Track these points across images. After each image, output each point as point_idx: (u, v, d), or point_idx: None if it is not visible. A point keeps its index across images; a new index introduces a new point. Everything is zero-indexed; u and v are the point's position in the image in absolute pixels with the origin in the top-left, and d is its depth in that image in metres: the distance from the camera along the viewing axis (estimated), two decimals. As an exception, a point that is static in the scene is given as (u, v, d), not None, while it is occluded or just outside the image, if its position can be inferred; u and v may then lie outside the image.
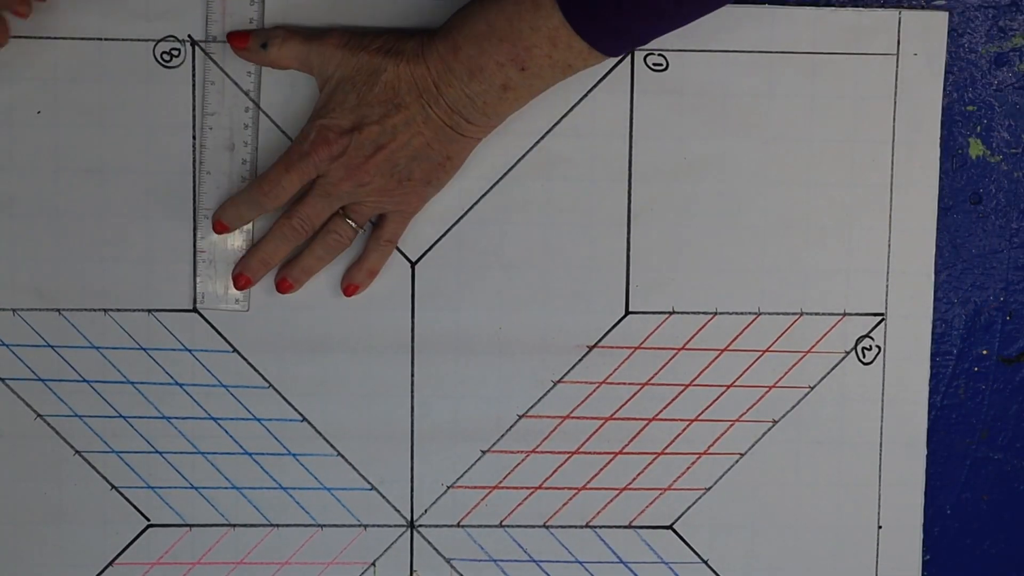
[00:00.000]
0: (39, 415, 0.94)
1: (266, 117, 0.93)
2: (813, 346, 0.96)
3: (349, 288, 0.94)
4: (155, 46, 0.92)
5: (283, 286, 0.93)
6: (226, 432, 0.95)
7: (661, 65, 0.94)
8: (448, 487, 0.96)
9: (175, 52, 0.93)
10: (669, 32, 0.87)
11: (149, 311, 0.94)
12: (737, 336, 0.96)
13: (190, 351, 0.94)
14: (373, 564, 0.96)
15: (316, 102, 0.90)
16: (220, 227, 0.92)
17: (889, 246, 0.96)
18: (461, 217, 0.94)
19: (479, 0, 0.86)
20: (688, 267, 0.95)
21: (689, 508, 0.97)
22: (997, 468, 0.98)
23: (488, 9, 0.85)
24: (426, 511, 0.96)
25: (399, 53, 0.87)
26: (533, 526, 0.96)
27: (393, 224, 0.92)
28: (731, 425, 0.96)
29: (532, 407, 0.96)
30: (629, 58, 0.94)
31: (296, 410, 0.95)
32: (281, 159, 0.89)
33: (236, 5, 0.92)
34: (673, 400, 0.96)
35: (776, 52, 0.94)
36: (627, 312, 0.95)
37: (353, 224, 0.91)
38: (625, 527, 0.97)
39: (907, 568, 0.98)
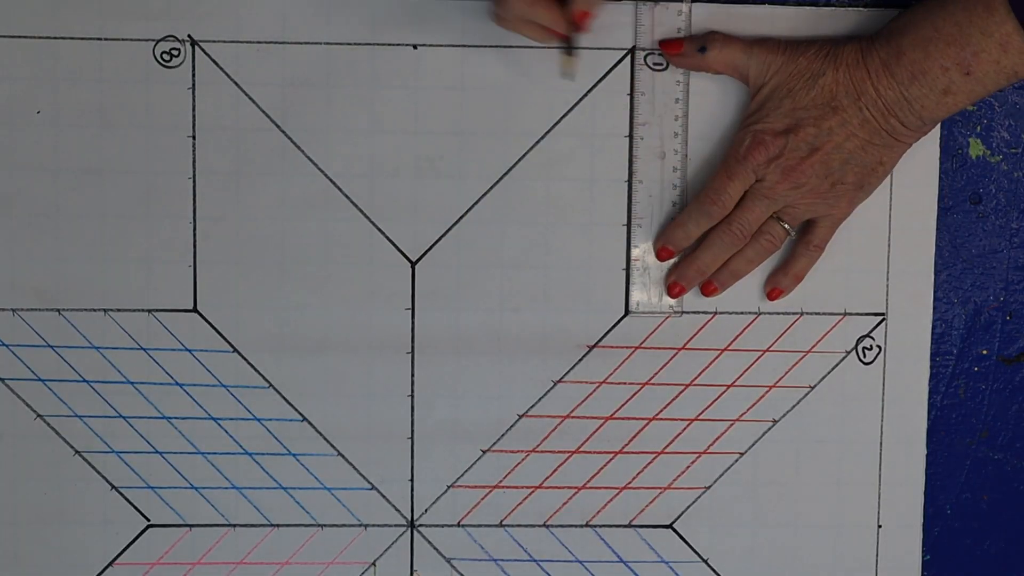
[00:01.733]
0: (39, 415, 0.94)
1: (693, 126, 0.95)
2: (813, 346, 0.96)
3: (774, 292, 0.95)
4: (155, 46, 0.92)
5: (709, 289, 0.95)
6: (226, 432, 0.95)
7: (661, 65, 0.94)
8: (448, 487, 0.96)
9: (175, 52, 0.93)
10: None
11: (149, 311, 0.94)
12: (737, 336, 0.96)
13: (190, 351, 0.94)
14: (373, 564, 0.96)
15: (745, 110, 0.92)
16: (665, 253, 0.94)
17: (889, 246, 0.96)
18: (461, 217, 0.94)
19: (923, 5, 0.86)
20: (688, 267, 0.95)
21: (689, 507, 0.97)
22: (997, 468, 0.98)
23: (934, 13, 0.85)
24: (426, 511, 0.96)
25: (837, 57, 0.87)
26: (533, 525, 0.96)
27: (823, 229, 0.93)
28: (731, 425, 0.96)
29: (532, 407, 0.96)
30: (629, 58, 0.94)
31: (296, 410, 0.95)
32: (722, 167, 0.91)
33: (665, 16, 0.93)
34: (673, 400, 0.96)
35: (776, 52, 0.94)
36: (627, 312, 0.95)
37: (786, 226, 0.92)
38: (625, 526, 0.97)
39: (907, 568, 0.98)
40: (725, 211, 0.91)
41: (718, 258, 0.93)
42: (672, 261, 0.95)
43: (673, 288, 0.94)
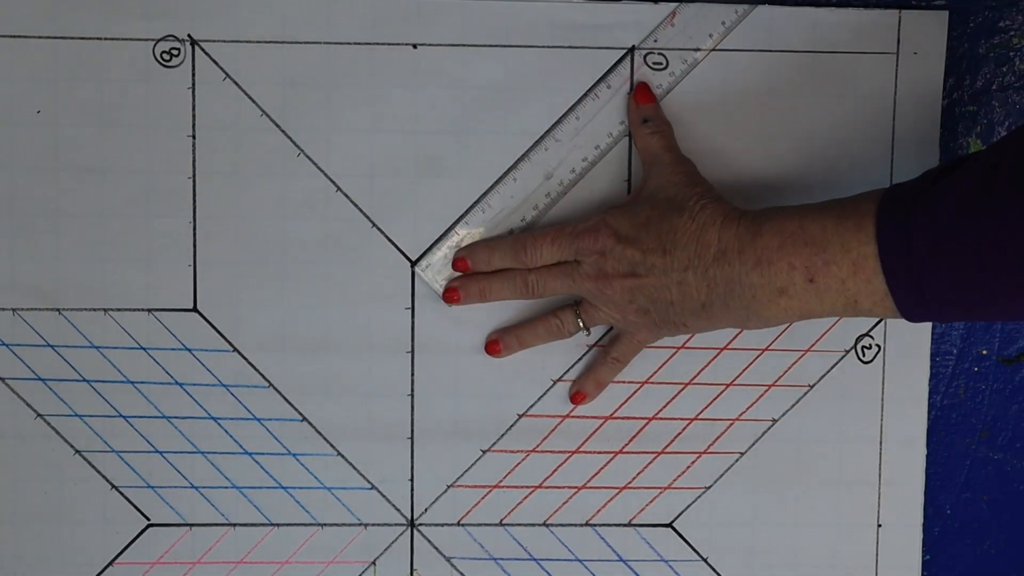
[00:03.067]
0: (39, 415, 0.94)
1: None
2: (813, 345, 0.96)
3: (577, 395, 0.95)
4: (155, 46, 0.92)
5: (492, 348, 0.94)
6: (226, 432, 0.95)
7: (661, 64, 0.94)
8: (448, 486, 0.96)
9: (175, 52, 0.93)
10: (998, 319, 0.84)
11: (149, 311, 0.94)
12: (737, 335, 0.96)
13: (190, 351, 0.94)
14: (373, 563, 0.96)
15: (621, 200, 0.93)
16: (461, 264, 0.93)
17: (889, 246, 0.96)
18: (461, 217, 0.94)
19: (808, 204, 0.84)
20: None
21: (689, 506, 0.97)
22: (997, 468, 0.98)
23: (808, 212, 0.83)
24: (426, 510, 0.96)
25: (703, 212, 0.86)
26: (533, 525, 0.96)
27: (623, 345, 0.93)
28: (731, 424, 0.96)
29: (532, 406, 0.96)
30: (629, 58, 0.94)
31: (296, 410, 0.95)
32: (554, 228, 0.91)
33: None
34: (673, 399, 0.96)
35: (776, 52, 0.94)
36: (627, 311, 0.95)
37: (580, 322, 0.92)
38: (625, 525, 0.97)
39: (907, 567, 0.98)
40: (531, 265, 0.91)
41: (502, 292, 0.93)
42: None
43: (451, 293, 0.94)
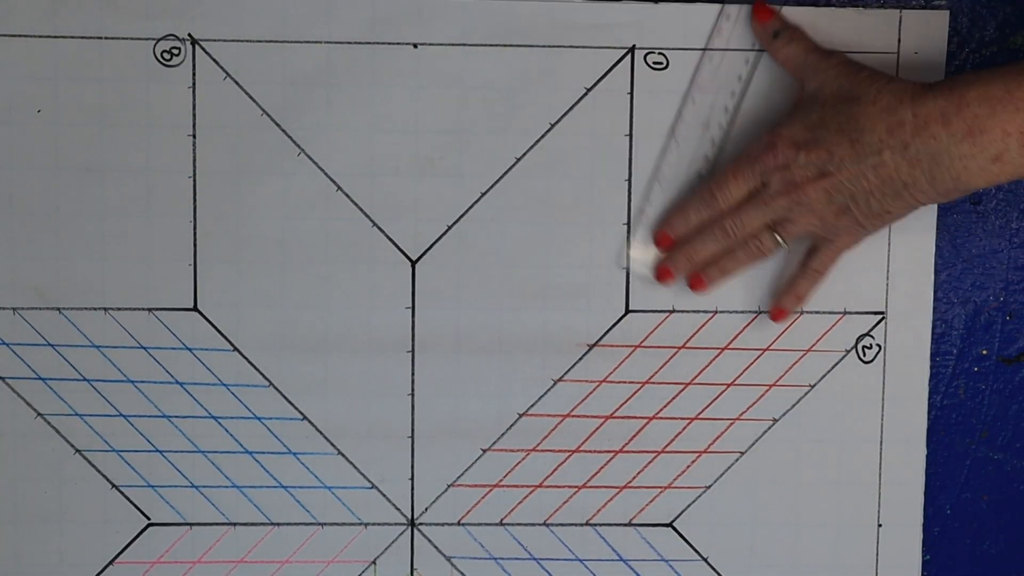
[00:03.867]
0: (39, 414, 0.94)
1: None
2: (813, 345, 0.96)
3: (776, 311, 0.95)
4: (155, 45, 0.92)
5: (696, 281, 0.94)
6: (226, 431, 0.95)
7: (661, 64, 0.94)
8: (449, 485, 0.96)
9: (175, 51, 0.93)
10: None
11: (149, 310, 0.94)
12: (737, 335, 0.96)
13: (190, 350, 0.94)
14: (374, 562, 0.96)
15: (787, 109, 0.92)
16: (663, 238, 0.94)
17: (889, 245, 0.96)
18: (461, 216, 0.94)
19: (994, 68, 0.83)
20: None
21: (689, 506, 0.97)
22: (997, 468, 0.98)
23: (1008, 75, 0.82)
24: (426, 509, 0.96)
25: (881, 91, 0.85)
26: (533, 524, 0.96)
27: (824, 255, 0.93)
28: (731, 424, 0.96)
29: (532, 406, 0.96)
30: (629, 57, 0.94)
31: (296, 409, 0.95)
32: (732, 162, 0.91)
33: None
34: (673, 399, 0.96)
35: (776, 51, 0.94)
36: (627, 311, 0.96)
37: (779, 238, 0.91)
38: (625, 525, 0.97)
39: (907, 567, 0.98)
40: (725, 206, 0.91)
41: (707, 248, 0.93)
42: None
43: (662, 273, 0.94)
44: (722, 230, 0.92)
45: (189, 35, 0.93)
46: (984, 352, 0.97)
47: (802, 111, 0.88)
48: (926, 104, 0.83)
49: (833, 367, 0.97)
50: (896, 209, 0.87)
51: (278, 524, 0.96)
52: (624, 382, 0.96)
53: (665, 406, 0.96)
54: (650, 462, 0.96)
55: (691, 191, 0.94)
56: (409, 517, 0.96)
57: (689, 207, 0.93)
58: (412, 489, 0.96)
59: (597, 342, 0.96)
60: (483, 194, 0.94)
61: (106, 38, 0.92)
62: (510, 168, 0.94)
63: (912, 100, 0.84)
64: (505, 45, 0.93)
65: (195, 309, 0.94)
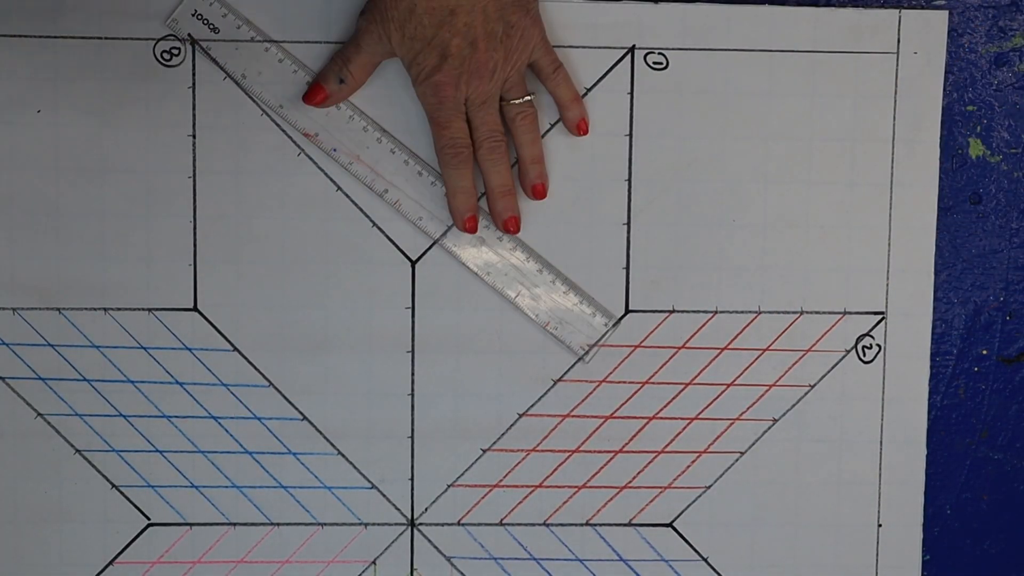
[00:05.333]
0: (39, 414, 0.94)
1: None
2: (813, 345, 0.96)
3: (580, 124, 0.94)
4: (155, 45, 0.92)
5: (538, 190, 0.94)
6: (226, 431, 0.95)
7: (661, 64, 0.94)
8: (448, 485, 0.96)
9: (175, 51, 0.93)
10: None
11: (149, 310, 0.94)
12: (737, 335, 0.96)
13: (190, 350, 0.94)
14: (374, 563, 0.96)
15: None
16: (470, 222, 0.93)
17: (889, 245, 0.96)
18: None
19: None
20: (688, 266, 0.95)
21: (689, 506, 0.97)
22: (997, 468, 0.98)
23: None
24: (426, 509, 0.96)
25: None
26: (533, 524, 0.96)
27: (542, 56, 0.92)
28: (731, 424, 0.96)
29: (532, 406, 0.96)
30: (629, 57, 0.94)
31: (296, 409, 0.95)
32: (432, 124, 0.91)
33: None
34: (673, 399, 0.96)
35: (776, 51, 0.94)
36: (627, 311, 0.96)
37: (518, 100, 0.92)
38: (625, 525, 0.97)
39: (907, 567, 0.98)
40: (469, 147, 0.91)
41: (504, 173, 0.93)
42: None
43: (510, 224, 0.93)
44: (492, 151, 0.92)
45: (189, 35, 0.93)
46: (984, 352, 0.97)
47: (406, 55, 0.89)
48: None
49: (833, 367, 0.97)
50: None
51: (278, 524, 0.96)
52: (624, 382, 0.96)
53: (665, 406, 0.96)
54: (650, 462, 0.96)
55: (442, 180, 0.93)
56: (409, 517, 0.96)
57: (456, 182, 0.92)
58: (412, 489, 0.96)
59: (597, 342, 0.96)
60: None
61: (106, 38, 0.92)
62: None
63: None
64: (505, 45, 0.93)
65: (195, 309, 0.94)
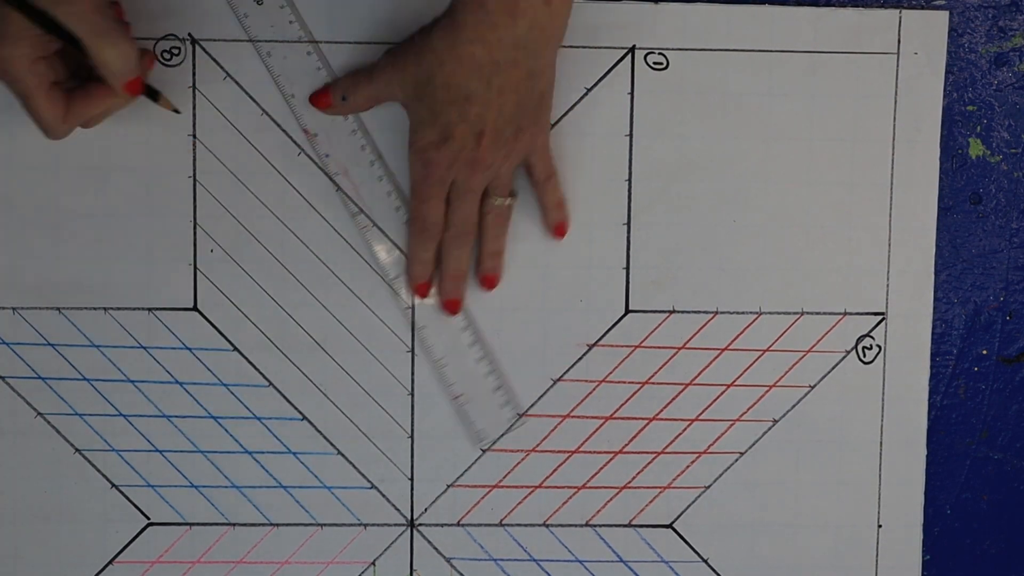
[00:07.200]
0: (39, 413, 0.94)
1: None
2: (813, 345, 0.96)
3: (559, 228, 0.94)
4: (155, 45, 0.92)
5: (489, 280, 0.94)
6: (226, 431, 0.95)
7: (661, 64, 0.94)
8: (448, 486, 0.96)
9: (175, 51, 0.93)
10: None
11: (149, 310, 0.94)
12: (738, 335, 0.96)
13: (190, 350, 0.94)
14: (373, 563, 0.96)
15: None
16: (422, 288, 0.93)
17: (889, 246, 0.96)
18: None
19: None
20: (688, 266, 0.95)
21: (689, 507, 0.97)
22: (997, 468, 0.98)
23: None
24: (426, 510, 0.96)
25: (433, 51, 0.85)
26: (533, 525, 0.96)
27: (539, 162, 0.92)
28: (731, 424, 0.96)
29: (532, 406, 0.96)
30: (629, 57, 0.94)
31: (296, 409, 0.95)
32: (412, 195, 0.91)
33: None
34: (673, 399, 0.96)
35: (776, 51, 0.94)
36: (627, 311, 0.96)
37: (499, 201, 0.92)
38: (625, 526, 0.97)
39: (907, 567, 0.98)
40: (440, 225, 0.91)
41: (463, 260, 0.93)
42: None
43: (450, 306, 0.94)
44: (458, 236, 0.91)
45: (189, 35, 0.93)
46: (984, 352, 0.97)
47: (415, 116, 0.88)
48: (466, 27, 0.83)
49: (833, 368, 0.97)
50: (539, 69, 0.86)
51: (278, 524, 0.96)
52: (624, 382, 0.96)
53: (665, 407, 0.96)
54: (650, 463, 0.96)
55: (408, 238, 0.93)
56: (409, 518, 0.96)
57: (417, 251, 0.92)
58: (412, 489, 0.96)
59: (597, 342, 0.96)
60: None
61: (106, 38, 0.92)
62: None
63: (455, 34, 0.83)
64: (505, 45, 0.93)
65: (195, 309, 0.94)
